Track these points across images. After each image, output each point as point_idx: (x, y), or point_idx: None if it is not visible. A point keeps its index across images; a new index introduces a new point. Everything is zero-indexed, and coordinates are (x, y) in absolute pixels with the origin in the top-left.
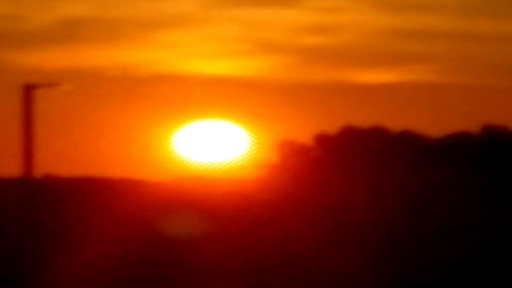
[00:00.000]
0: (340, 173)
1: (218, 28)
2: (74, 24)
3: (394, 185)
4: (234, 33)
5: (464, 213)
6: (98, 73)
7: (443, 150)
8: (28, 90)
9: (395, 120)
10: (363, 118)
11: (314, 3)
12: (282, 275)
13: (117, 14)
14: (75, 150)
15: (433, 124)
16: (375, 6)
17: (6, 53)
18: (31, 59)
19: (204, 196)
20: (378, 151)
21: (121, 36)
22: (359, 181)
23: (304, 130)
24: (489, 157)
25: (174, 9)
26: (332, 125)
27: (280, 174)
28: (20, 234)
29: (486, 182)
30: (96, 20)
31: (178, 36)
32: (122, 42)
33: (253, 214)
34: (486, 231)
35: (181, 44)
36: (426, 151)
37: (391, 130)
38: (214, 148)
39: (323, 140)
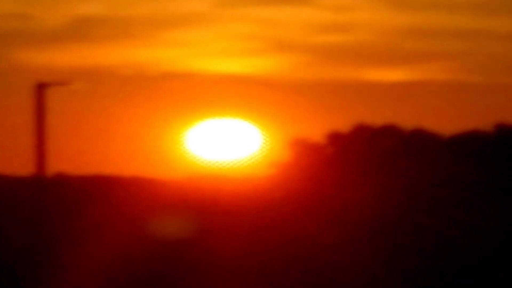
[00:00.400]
0: (353, 171)
1: (231, 27)
2: (86, 23)
3: (407, 183)
4: (247, 32)
5: (477, 211)
6: (110, 72)
7: (455, 148)
8: (40, 89)
9: (407, 118)
10: (376, 117)
11: (327, 2)
12: (295, 274)
13: (129, 13)
14: (87, 149)
15: (446, 122)
16: (388, 5)
17: (19, 52)
18: (43, 58)
19: (217, 195)
20: (390, 149)
21: (133, 35)
22: (371, 179)
23: (316, 129)
24: (502, 155)
25: (187, 8)
26: (344, 124)
27: (293, 173)
28: (32, 232)
29: (499, 180)
30: (108, 19)
31: (190, 34)
32: (134, 41)
33: (265, 212)
34: (499, 229)
35: (194, 42)
36: (439, 149)
37: (404, 128)
38: (226, 147)
39: (335, 138)
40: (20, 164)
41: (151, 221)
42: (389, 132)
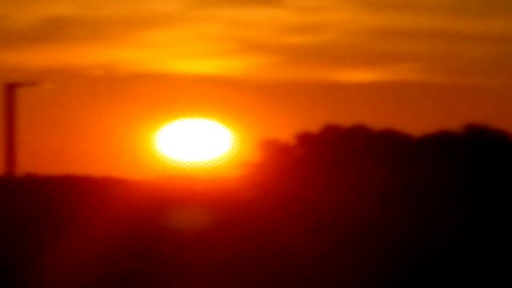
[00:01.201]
0: (322, 171)
1: (202, 28)
2: (58, 24)
3: (376, 183)
4: (217, 33)
5: (446, 211)
6: (81, 72)
7: (425, 148)
8: (10, 89)
9: (378, 119)
10: (346, 117)
11: (297, 3)
12: (263, 273)
13: (101, 13)
14: (57, 149)
15: (416, 122)
16: (359, 6)
17: None
18: (14, 58)
19: (187, 195)
20: (360, 150)
21: (105, 35)
22: (341, 179)
23: (286, 129)
24: (472, 155)
25: (158, 9)
26: (314, 124)
27: (263, 173)
28: (1, 232)
29: (468, 180)
30: (79, 19)
31: (161, 35)
32: (105, 42)
33: (236, 212)
34: (468, 228)
35: (165, 43)
36: (408, 149)
37: (373, 129)
38: (197, 147)
39: (305, 138)
40: None
41: (121, 221)
42: (359, 133)
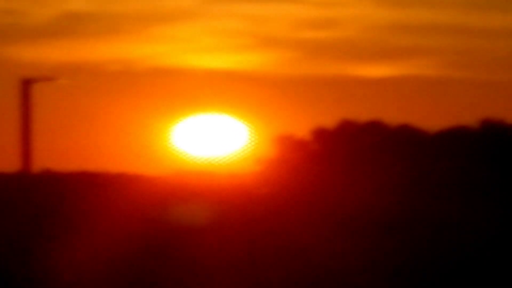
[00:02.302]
0: (338, 167)
1: (218, 23)
2: (73, 19)
3: (392, 179)
4: (234, 28)
5: (463, 207)
6: (97, 68)
7: (441, 144)
8: (26, 85)
9: (393, 114)
10: (362, 112)
11: None
12: (280, 270)
13: (117, 8)
14: (73, 145)
15: (432, 118)
16: (375, 1)
17: (5, 48)
18: (30, 54)
19: (203, 191)
20: (376, 145)
21: (121, 30)
22: (356, 175)
23: (303, 124)
24: (488, 151)
25: (174, 4)
26: (330, 119)
27: (278, 169)
28: (18, 229)
29: (485, 176)
30: (95, 14)
31: (178, 30)
32: (122, 37)
33: (251, 208)
34: (485, 226)
35: (181, 38)
36: (425, 145)
37: (389, 124)
38: (213, 142)
39: (321, 134)
40: (6, 161)
41: (137, 217)
42: (375, 128)
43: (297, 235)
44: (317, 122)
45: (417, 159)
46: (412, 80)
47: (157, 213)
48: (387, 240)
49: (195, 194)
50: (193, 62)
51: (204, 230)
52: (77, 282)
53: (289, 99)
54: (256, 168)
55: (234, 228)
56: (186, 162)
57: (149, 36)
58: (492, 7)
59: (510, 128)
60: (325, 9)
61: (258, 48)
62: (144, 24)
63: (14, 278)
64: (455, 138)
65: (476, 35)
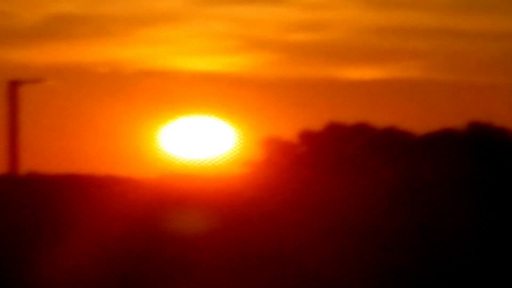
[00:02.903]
0: (325, 169)
1: (206, 25)
2: (62, 21)
3: (379, 182)
4: (221, 30)
5: (450, 209)
6: (85, 70)
7: (428, 147)
8: (14, 86)
9: (380, 116)
10: (349, 115)
11: (301, 0)
12: (267, 272)
13: (105, 11)
14: (60, 147)
15: (419, 120)
16: (362, 3)
17: None
18: (18, 56)
19: (190, 193)
20: (363, 148)
21: (109, 33)
22: (343, 177)
23: (290, 127)
24: (475, 153)
25: (162, 6)
26: (317, 122)
27: (265, 171)
28: (4, 231)
29: (471, 179)
30: (84, 17)
31: (165, 32)
32: (109, 39)
33: (239, 211)
34: (472, 227)
35: (169, 40)
36: (411, 147)
37: (376, 127)
38: (200, 145)
39: (308, 136)
40: None
41: (125, 219)
42: (362, 131)
43: (285, 237)
44: (304, 125)
45: (404, 162)
46: (399, 82)
47: (145, 215)
48: (375, 242)
49: (183, 197)
50: (181, 65)
51: (192, 232)
52: (64, 285)
53: (276, 101)
54: (243, 171)
55: (222, 230)
56: (174, 164)
57: (137, 38)
58: (479, 10)
59: (497, 131)
60: (313, 12)
61: (246, 51)
62: (132, 26)
63: (2, 281)
64: (442, 140)
65: (463, 38)
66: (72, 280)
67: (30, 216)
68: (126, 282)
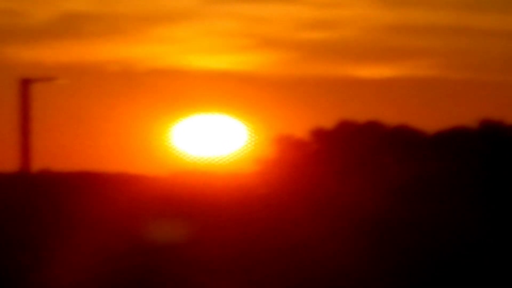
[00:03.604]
0: (336, 167)
1: (218, 23)
2: (74, 19)
3: (391, 179)
4: (233, 28)
5: (462, 207)
6: (97, 68)
7: (440, 145)
8: (25, 84)
9: (392, 115)
10: (361, 113)
11: None
12: (279, 270)
13: (116, 9)
14: (72, 145)
15: (431, 118)
16: (375, 1)
17: (5, 48)
18: (30, 54)
19: (202, 191)
20: (374, 146)
21: (121, 31)
22: (355, 175)
23: (301, 125)
24: (486, 152)
25: (174, 4)
26: (329, 120)
27: (277, 169)
28: (17, 229)
29: (483, 176)
30: (95, 15)
31: (177, 31)
32: (121, 37)
33: (250, 208)
34: (483, 226)
35: (181, 39)
36: (423, 145)
37: (387, 125)
38: (212, 143)
39: (319, 134)
40: (5, 161)
41: (137, 217)
42: (373, 129)
43: (296, 235)
44: (315, 123)
45: (416, 159)
46: (410, 80)
47: (157, 212)
48: (385, 240)
49: (195, 194)
50: (192, 63)
51: (203, 230)
52: (76, 281)
53: (288, 99)
54: (255, 168)
55: (233, 228)
56: (186, 162)
57: (149, 36)
58: (491, 8)
59: (509, 128)
60: (324, 10)
61: (257, 49)
62: (144, 24)
63: (13, 278)
64: (453, 138)
65: (475, 36)
66: (84, 277)
67: (42, 214)
68: (137, 279)
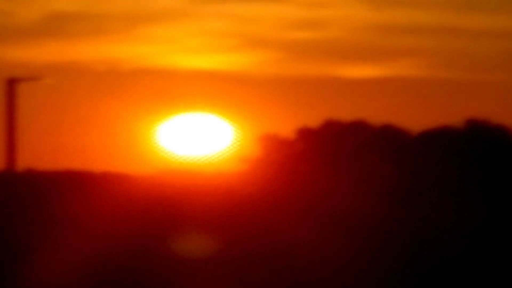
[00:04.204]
0: (322, 166)
1: (204, 23)
2: (60, 19)
3: (376, 179)
4: (220, 28)
5: (446, 206)
6: (84, 67)
7: (425, 144)
8: (11, 84)
9: (378, 114)
10: (347, 113)
11: None
12: (265, 269)
13: (103, 8)
14: (58, 144)
15: (417, 118)
16: (361, 2)
17: None
18: (16, 54)
19: (188, 190)
20: (360, 145)
21: (107, 30)
22: (340, 174)
23: (287, 124)
24: (472, 151)
25: (161, 4)
26: (315, 119)
27: (263, 168)
28: (1, 227)
29: (469, 176)
30: (81, 14)
31: (164, 30)
32: (108, 37)
33: (236, 207)
34: (468, 226)
35: (168, 38)
36: (408, 145)
37: (373, 124)
38: (198, 142)
39: (305, 134)
40: None
41: (122, 216)
42: (359, 128)
43: (282, 234)
44: (301, 122)
45: (401, 159)
46: (396, 80)
47: (142, 212)
48: (371, 239)
49: (181, 193)
50: (179, 62)
51: (189, 229)
52: (61, 281)
53: (274, 99)
54: (241, 167)
55: (220, 227)
56: (172, 161)
57: (135, 36)
58: (478, 8)
59: (495, 128)
60: (311, 10)
61: (244, 48)
62: (131, 24)
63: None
64: (439, 138)
65: (461, 36)
66: (69, 278)
67: (28, 213)
68: (122, 280)
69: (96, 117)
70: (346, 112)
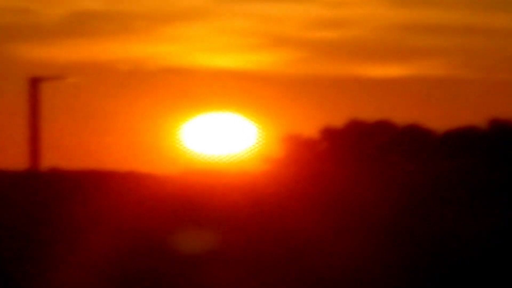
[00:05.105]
0: (346, 166)
1: (229, 22)
2: (85, 18)
3: (400, 179)
4: (244, 27)
5: (471, 207)
6: (108, 67)
7: (449, 144)
8: (34, 83)
9: (402, 114)
10: (371, 112)
11: None
12: (288, 269)
13: (127, 8)
14: (82, 143)
15: (441, 118)
16: (386, 1)
17: (15, 47)
18: (41, 53)
19: (211, 189)
20: (384, 145)
21: (132, 30)
22: (364, 174)
23: (311, 124)
24: (496, 150)
25: (186, 3)
26: (339, 119)
27: (286, 168)
28: (26, 227)
29: (493, 175)
30: (106, 14)
31: (189, 30)
32: (132, 36)
33: (260, 207)
34: (493, 226)
35: (192, 38)
36: (433, 145)
37: (397, 124)
38: (222, 141)
39: (329, 133)
40: (14, 159)
41: (146, 216)
42: (383, 128)
43: (305, 234)
44: (325, 122)
45: (426, 159)
46: (421, 80)
47: (166, 211)
48: (394, 239)
49: (204, 193)
50: (203, 62)
51: (213, 229)
52: (85, 281)
53: (298, 98)
54: (264, 167)
55: (242, 228)
56: (195, 160)
57: (160, 35)
58: (502, 9)
59: None
60: (336, 10)
61: (269, 48)
62: (155, 23)
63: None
64: (463, 138)
65: (486, 36)
66: (93, 275)
67: (52, 212)
68: (146, 277)
69: (119, 117)
70: (370, 112)
